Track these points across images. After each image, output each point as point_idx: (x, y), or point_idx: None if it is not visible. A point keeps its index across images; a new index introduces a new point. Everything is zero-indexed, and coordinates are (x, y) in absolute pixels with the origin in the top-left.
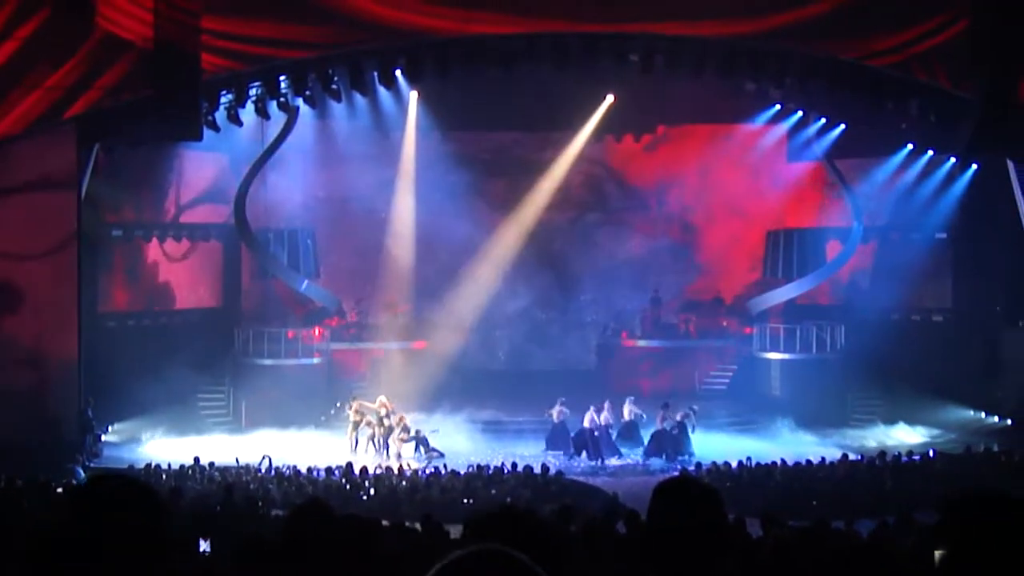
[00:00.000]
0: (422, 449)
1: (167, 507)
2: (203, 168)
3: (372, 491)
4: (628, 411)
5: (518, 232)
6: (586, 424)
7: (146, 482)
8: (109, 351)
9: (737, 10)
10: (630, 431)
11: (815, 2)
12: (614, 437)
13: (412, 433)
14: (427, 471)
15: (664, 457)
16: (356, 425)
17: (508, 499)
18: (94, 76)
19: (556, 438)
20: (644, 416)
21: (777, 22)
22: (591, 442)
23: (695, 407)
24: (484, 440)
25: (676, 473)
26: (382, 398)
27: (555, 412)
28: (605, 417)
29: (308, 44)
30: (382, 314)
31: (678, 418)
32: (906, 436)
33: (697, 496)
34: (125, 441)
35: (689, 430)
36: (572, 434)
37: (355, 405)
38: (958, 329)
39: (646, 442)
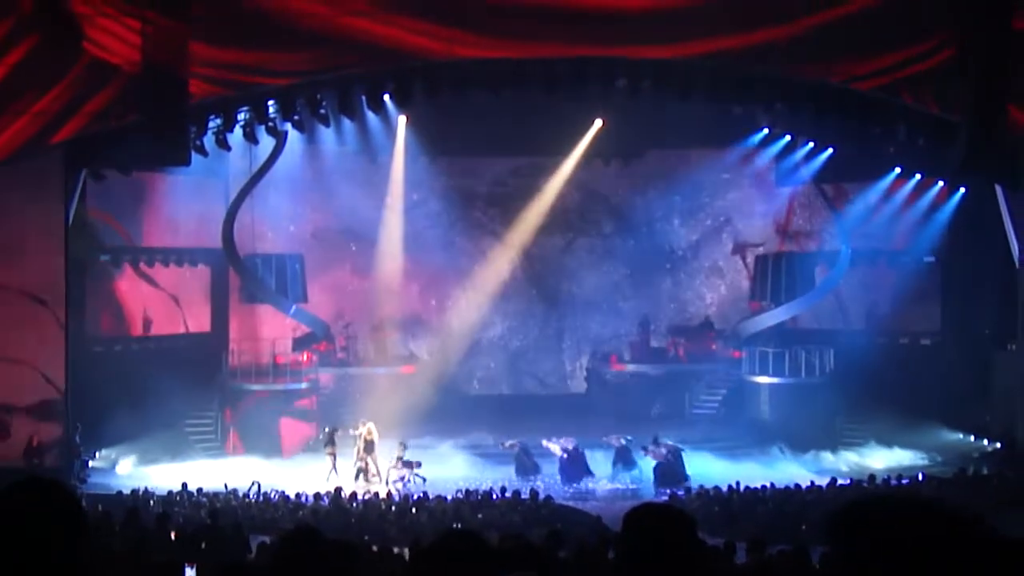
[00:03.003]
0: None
1: (87, 519)
2: (191, 193)
3: (361, 516)
4: (615, 439)
5: (507, 257)
6: (559, 453)
7: (70, 490)
8: (97, 377)
9: (722, 27)
10: (625, 457)
11: (801, 16)
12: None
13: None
14: (416, 495)
15: (672, 485)
16: (334, 455)
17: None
18: (81, 101)
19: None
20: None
21: (762, 38)
22: (573, 466)
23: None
24: (473, 465)
25: (665, 497)
26: (370, 424)
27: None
28: (563, 444)
29: (296, 72)
30: (370, 339)
31: (664, 450)
32: (895, 460)
33: (669, 522)
34: (112, 466)
35: (683, 456)
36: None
37: (334, 432)
38: (947, 352)
39: (649, 473)
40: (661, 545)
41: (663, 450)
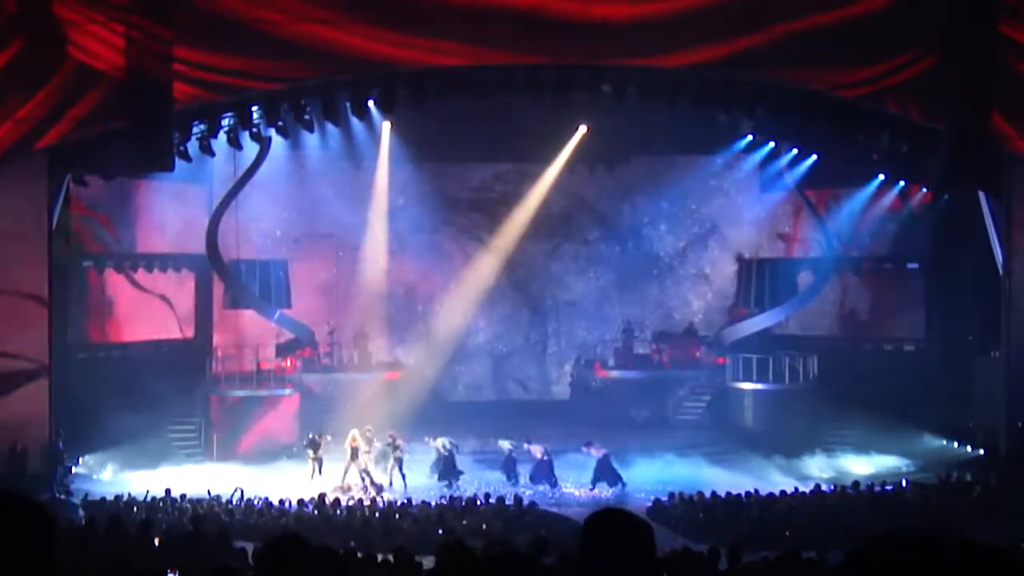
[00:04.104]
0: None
1: (56, 532)
2: (175, 198)
3: (345, 523)
4: (504, 446)
5: (492, 263)
6: (441, 451)
7: (38, 503)
8: (80, 383)
9: (706, 37)
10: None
11: (788, 28)
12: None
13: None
14: (399, 502)
15: (608, 484)
16: (318, 459)
17: (482, 528)
18: (65, 107)
19: (539, 473)
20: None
21: (747, 44)
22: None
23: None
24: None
25: (649, 504)
26: (354, 431)
27: (536, 449)
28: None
29: (280, 78)
30: (355, 345)
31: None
32: (879, 466)
33: (627, 529)
34: (95, 473)
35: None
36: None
37: (317, 436)
38: (930, 359)
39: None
40: (621, 552)
41: (597, 452)
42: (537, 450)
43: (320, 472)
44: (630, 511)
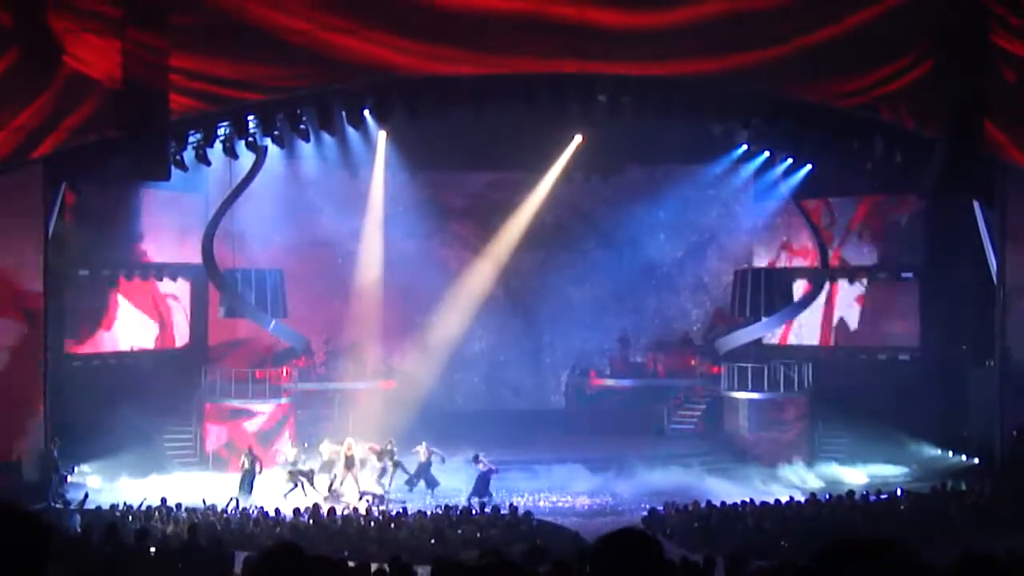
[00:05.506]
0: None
1: (49, 540)
2: (171, 208)
3: (340, 532)
4: (424, 453)
5: (488, 271)
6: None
7: (33, 513)
8: (75, 391)
9: (704, 49)
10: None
11: (782, 42)
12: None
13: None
14: (395, 511)
15: (478, 496)
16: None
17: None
18: (61, 116)
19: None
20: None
21: (742, 61)
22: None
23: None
24: (454, 480)
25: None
26: (349, 440)
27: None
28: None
29: (276, 88)
30: (350, 354)
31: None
32: (873, 475)
33: (637, 548)
34: (91, 482)
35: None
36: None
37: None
38: (925, 368)
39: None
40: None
41: (485, 463)
42: (423, 453)
43: (312, 484)
44: (639, 530)
